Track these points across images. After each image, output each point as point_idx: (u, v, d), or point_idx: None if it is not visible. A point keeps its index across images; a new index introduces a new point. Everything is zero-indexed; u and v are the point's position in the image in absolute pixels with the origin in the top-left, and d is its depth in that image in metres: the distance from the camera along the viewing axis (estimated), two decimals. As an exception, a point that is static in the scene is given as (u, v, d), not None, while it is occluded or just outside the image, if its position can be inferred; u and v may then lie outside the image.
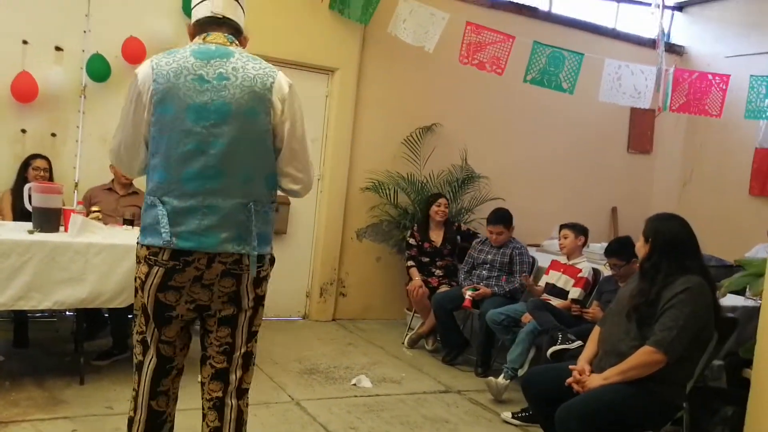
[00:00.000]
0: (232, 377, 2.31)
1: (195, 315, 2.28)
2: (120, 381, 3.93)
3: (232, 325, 2.28)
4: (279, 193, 2.38)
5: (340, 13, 5.79)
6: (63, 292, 3.64)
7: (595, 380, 2.91)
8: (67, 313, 4.78)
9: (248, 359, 2.35)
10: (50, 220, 3.86)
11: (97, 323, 4.58)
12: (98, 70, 5.02)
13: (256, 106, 2.16)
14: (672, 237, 3.04)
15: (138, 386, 2.33)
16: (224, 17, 2.27)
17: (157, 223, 2.15)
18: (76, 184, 5.14)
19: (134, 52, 5.07)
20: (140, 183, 4.89)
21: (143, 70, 2.18)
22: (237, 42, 2.29)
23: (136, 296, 2.30)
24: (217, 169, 2.14)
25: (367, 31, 6.00)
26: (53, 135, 5.06)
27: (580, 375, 2.97)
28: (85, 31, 5.06)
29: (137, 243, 2.26)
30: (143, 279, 2.22)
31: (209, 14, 2.26)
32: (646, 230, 3.11)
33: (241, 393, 2.34)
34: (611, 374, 2.89)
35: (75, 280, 3.66)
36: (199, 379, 2.37)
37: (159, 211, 2.15)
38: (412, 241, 5.59)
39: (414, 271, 5.49)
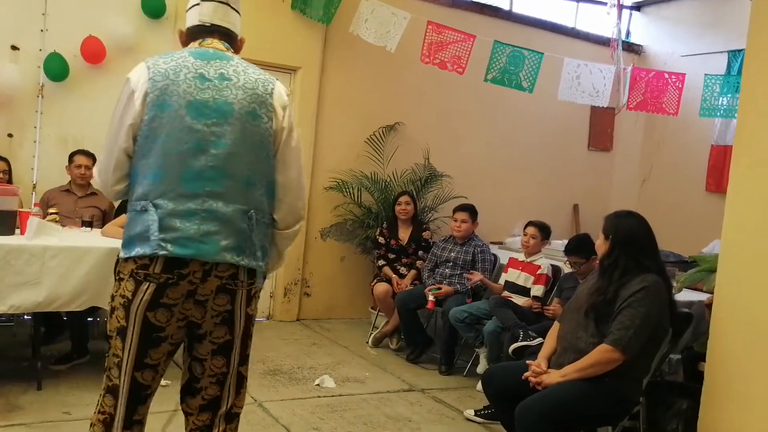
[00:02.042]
0: (223, 403, 2.20)
1: (183, 335, 2.12)
2: (79, 386, 3.88)
3: (226, 353, 2.15)
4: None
5: (302, 13, 5.77)
6: (19, 296, 3.56)
7: (553, 377, 2.95)
8: (25, 317, 4.68)
9: (241, 383, 2.24)
10: (5, 222, 3.77)
11: (56, 327, 4.50)
12: (56, 69, 4.92)
13: (258, 108, 2.10)
14: (631, 234, 3.08)
15: (114, 411, 2.10)
16: (212, 24, 2.19)
17: (147, 230, 1.98)
18: (34, 186, 5.04)
19: (93, 51, 5.00)
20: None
21: (138, 70, 2.08)
22: (232, 49, 2.23)
23: (112, 316, 2.08)
24: (218, 171, 2.02)
25: (329, 31, 5.99)
26: (10, 136, 4.95)
27: (538, 369, 3.02)
28: (42, 30, 4.96)
29: (119, 258, 2.07)
30: (129, 298, 2.01)
31: (197, 22, 2.20)
32: (606, 227, 3.15)
33: (231, 417, 2.23)
34: (569, 371, 2.93)
35: (31, 283, 3.58)
36: (179, 408, 2.25)
37: (150, 217, 1.98)
38: (381, 239, 5.60)
39: (388, 270, 5.50)
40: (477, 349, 4.79)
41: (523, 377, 3.01)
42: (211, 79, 2.06)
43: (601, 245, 3.16)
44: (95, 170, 2.19)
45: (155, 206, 1.99)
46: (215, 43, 2.17)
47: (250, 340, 2.22)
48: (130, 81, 2.06)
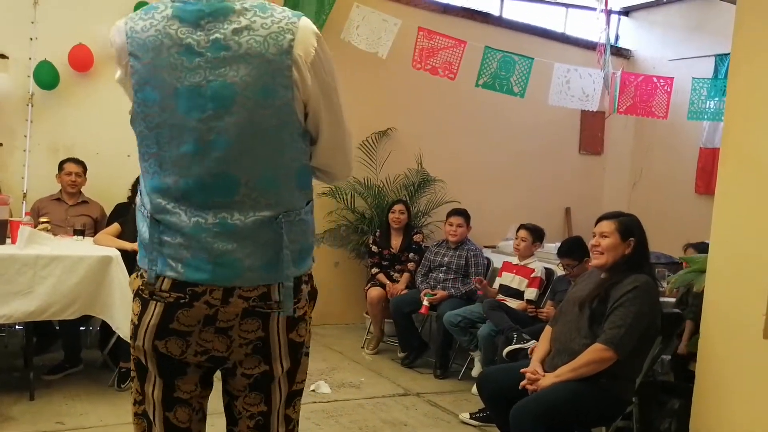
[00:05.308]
0: None
1: (212, 366, 1.67)
2: (72, 395, 3.86)
3: (264, 388, 1.67)
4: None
5: (293, 20, 5.78)
6: (10, 306, 3.54)
7: (548, 379, 2.96)
8: (17, 326, 4.66)
9: (288, 426, 1.75)
10: (-4, 232, 3.78)
11: (48, 336, 4.49)
12: (46, 77, 4.93)
13: (271, 81, 1.49)
14: (643, 233, 3.14)
15: None
16: None
17: (154, 241, 1.57)
18: (24, 195, 5.03)
19: (82, 60, 5.01)
20: (90, 192, 4.86)
21: (117, 36, 1.55)
22: None
23: (132, 349, 1.69)
24: (225, 177, 1.52)
25: (320, 38, 6.00)
26: (-1, 144, 4.96)
27: (533, 376, 3.03)
28: (31, 39, 4.96)
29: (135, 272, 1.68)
30: (136, 322, 1.62)
31: None
32: (622, 228, 3.08)
33: None
34: (563, 372, 2.94)
35: (23, 293, 3.56)
36: None
37: (153, 229, 1.57)
38: (374, 248, 5.61)
39: (382, 277, 5.50)
40: (471, 353, 4.80)
41: (520, 387, 3.01)
42: (201, 53, 1.48)
43: (617, 245, 3.06)
44: None
45: (157, 222, 1.57)
46: None
47: (300, 372, 1.72)
48: (115, 46, 1.57)
